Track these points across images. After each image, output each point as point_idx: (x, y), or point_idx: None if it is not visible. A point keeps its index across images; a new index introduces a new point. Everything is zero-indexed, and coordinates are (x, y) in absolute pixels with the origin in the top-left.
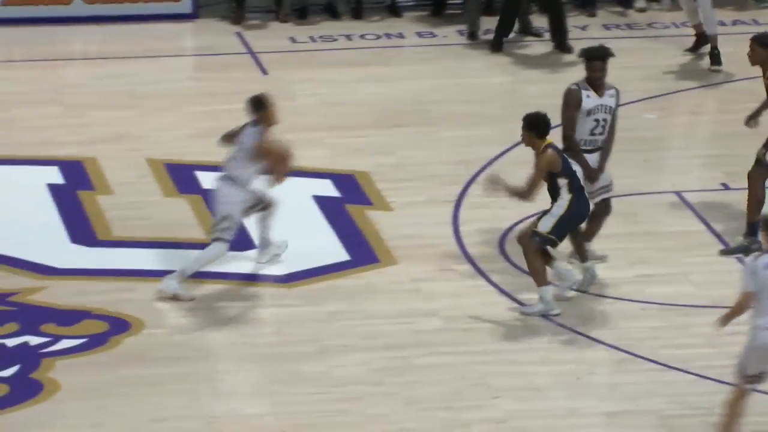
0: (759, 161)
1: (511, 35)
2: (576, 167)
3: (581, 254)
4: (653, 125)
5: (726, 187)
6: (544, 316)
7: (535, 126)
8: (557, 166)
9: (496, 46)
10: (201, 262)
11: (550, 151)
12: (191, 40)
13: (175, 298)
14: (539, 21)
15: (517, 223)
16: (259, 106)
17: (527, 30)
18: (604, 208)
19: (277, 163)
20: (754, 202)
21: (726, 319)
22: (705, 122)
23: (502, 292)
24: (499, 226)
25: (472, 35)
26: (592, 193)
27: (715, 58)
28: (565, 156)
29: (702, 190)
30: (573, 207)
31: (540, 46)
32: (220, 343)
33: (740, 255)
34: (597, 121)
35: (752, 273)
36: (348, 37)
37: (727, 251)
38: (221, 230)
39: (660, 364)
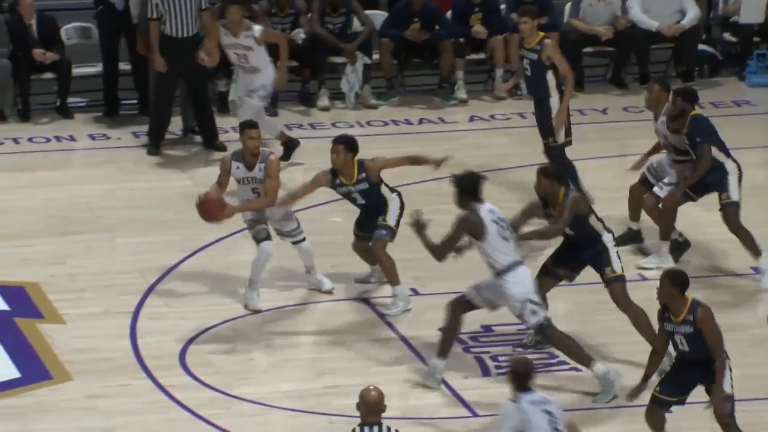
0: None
1: (177, 135)
2: None
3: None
4: (339, 228)
5: (416, 292)
6: None
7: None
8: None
9: (154, 148)
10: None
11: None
12: None
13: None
14: None
15: (198, 335)
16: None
17: (192, 129)
18: None
19: None
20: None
21: None
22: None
23: (183, 407)
24: (180, 337)
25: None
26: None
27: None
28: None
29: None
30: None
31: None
32: None
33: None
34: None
35: (517, 415)
36: (15, 140)
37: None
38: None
39: None
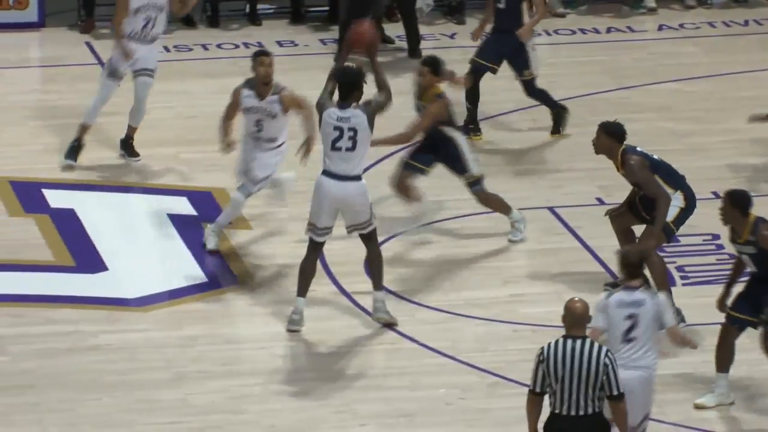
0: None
1: None
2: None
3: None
4: (523, 139)
5: (601, 201)
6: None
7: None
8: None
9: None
10: None
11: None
12: (38, 50)
13: None
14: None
15: (383, 242)
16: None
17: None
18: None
19: None
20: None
21: None
22: (578, 135)
23: (368, 314)
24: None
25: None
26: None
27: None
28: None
29: (576, 206)
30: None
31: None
32: (71, 370)
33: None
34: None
35: (603, 310)
36: (204, 46)
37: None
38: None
39: None
